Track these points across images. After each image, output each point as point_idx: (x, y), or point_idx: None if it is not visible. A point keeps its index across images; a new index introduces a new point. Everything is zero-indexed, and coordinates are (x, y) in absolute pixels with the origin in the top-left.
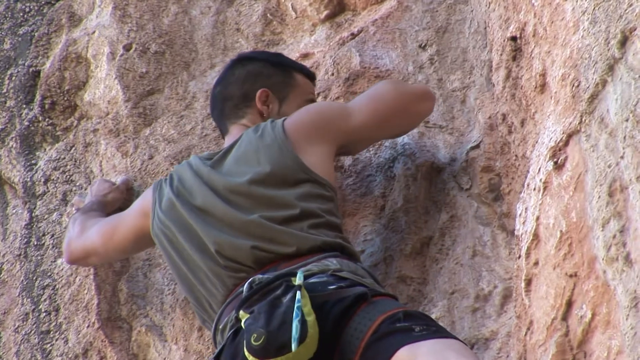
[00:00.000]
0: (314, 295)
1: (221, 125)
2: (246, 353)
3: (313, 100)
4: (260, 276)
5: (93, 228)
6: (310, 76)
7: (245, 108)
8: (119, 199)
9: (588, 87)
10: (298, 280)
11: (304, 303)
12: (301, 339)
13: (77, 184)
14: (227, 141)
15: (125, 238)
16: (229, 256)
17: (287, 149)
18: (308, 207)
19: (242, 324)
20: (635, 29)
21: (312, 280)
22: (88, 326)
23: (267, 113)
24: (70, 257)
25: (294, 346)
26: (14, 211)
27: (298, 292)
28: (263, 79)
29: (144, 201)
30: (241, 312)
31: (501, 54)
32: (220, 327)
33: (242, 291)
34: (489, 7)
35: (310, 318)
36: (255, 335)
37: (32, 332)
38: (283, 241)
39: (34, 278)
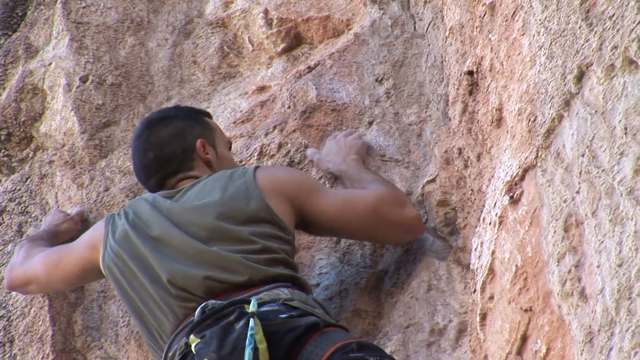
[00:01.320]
0: (265, 324)
1: (165, 183)
2: None
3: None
4: (213, 301)
5: (37, 256)
6: (211, 116)
7: (190, 162)
8: (72, 230)
9: (544, 121)
10: (252, 307)
11: (256, 331)
12: None
13: (33, 215)
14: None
15: (70, 269)
16: (181, 286)
17: (255, 191)
18: (268, 244)
19: (193, 347)
20: (591, 64)
21: (263, 308)
22: (42, 358)
23: (212, 159)
24: (11, 284)
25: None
26: None
27: (251, 320)
28: (191, 131)
29: (94, 234)
30: (192, 336)
31: (458, 88)
32: (170, 354)
33: (192, 320)
34: (445, 42)
35: (262, 346)
36: (207, 359)
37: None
38: (236, 270)
39: (9, 263)
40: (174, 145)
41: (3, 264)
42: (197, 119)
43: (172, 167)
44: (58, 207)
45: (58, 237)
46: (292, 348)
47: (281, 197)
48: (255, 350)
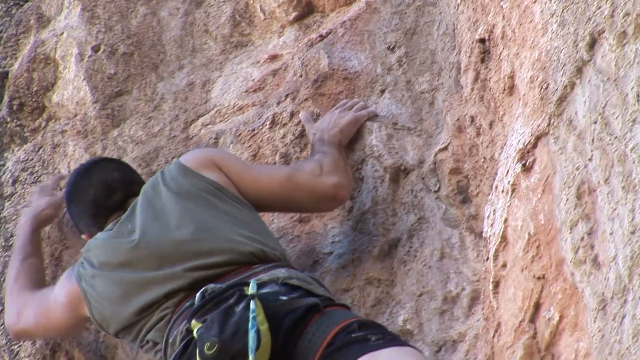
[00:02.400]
0: (265, 306)
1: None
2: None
3: None
4: (212, 285)
5: (28, 310)
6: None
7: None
8: (52, 217)
9: (556, 89)
10: (251, 289)
11: (258, 312)
12: (256, 349)
13: None
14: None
15: (63, 326)
16: (170, 289)
17: (190, 172)
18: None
19: (195, 333)
20: (603, 32)
21: (263, 290)
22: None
23: None
24: (15, 338)
25: (251, 357)
26: None
27: (252, 302)
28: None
29: (70, 296)
30: (193, 321)
31: (470, 56)
32: (170, 340)
33: (189, 304)
34: (457, 9)
35: (263, 327)
36: (209, 344)
37: (0, 332)
38: (221, 252)
39: (2, 279)
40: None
41: (16, 234)
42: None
43: (133, 190)
44: None
45: (40, 225)
46: (293, 331)
47: (215, 168)
48: (258, 332)
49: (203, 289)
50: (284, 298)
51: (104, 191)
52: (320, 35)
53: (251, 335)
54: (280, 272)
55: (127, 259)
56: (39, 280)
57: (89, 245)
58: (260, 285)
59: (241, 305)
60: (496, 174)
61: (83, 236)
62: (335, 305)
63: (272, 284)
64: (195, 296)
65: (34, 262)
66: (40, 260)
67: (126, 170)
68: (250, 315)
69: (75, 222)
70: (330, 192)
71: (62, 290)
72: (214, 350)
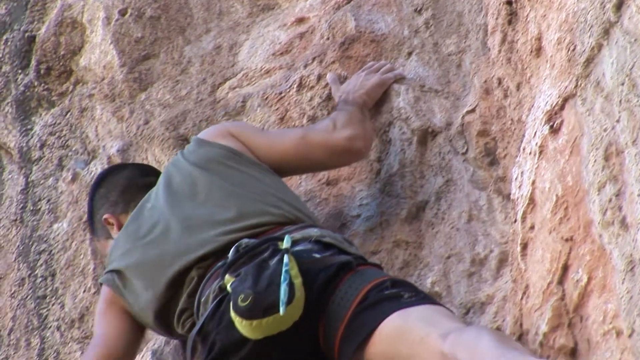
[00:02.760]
0: (299, 262)
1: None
2: (232, 314)
3: None
4: (247, 240)
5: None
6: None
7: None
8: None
9: (584, 50)
10: (285, 244)
11: (291, 266)
12: (289, 302)
13: (73, 149)
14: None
15: (122, 336)
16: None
17: (208, 143)
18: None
19: (228, 286)
20: None
21: (296, 247)
22: (84, 291)
23: None
24: None
25: (282, 309)
26: (10, 176)
27: (285, 256)
28: (98, 211)
29: (105, 299)
30: (227, 276)
31: (497, 18)
32: (202, 299)
33: (222, 264)
34: None
35: (297, 281)
36: (243, 295)
37: (29, 297)
38: (253, 214)
39: (30, 243)
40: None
41: (44, 198)
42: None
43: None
44: (98, 140)
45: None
46: (325, 288)
47: (231, 137)
48: (291, 285)
49: (237, 243)
50: (317, 255)
51: (138, 171)
52: None
53: (283, 287)
54: (313, 231)
55: (152, 237)
56: None
57: (112, 248)
58: (293, 243)
59: (275, 259)
60: (524, 135)
61: (105, 216)
62: (368, 264)
63: (305, 242)
64: (227, 257)
65: None
66: None
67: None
68: (283, 269)
69: (96, 210)
70: (343, 144)
71: (99, 306)
72: (248, 301)
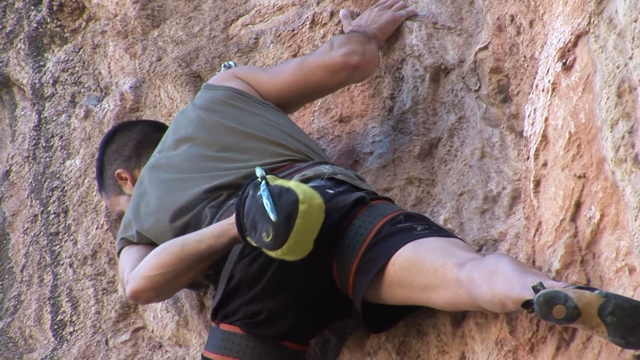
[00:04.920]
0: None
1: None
2: (273, 255)
3: None
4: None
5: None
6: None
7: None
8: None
9: None
10: (257, 173)
11: (272, 179)
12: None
13: (86, 85)
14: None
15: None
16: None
17: (214, 85)
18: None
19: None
20: None
21: (309, 185)
22: (97, 228)
23: None
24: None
25: (272, 216)
26: (23, 113)
27: (262, 184)
28: (111, 165)
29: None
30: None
31: None
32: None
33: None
34: None
35: (291, 183)
36: (264, 233)
37: (41, 233)
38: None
39: (43, 180)
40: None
41: (57, 134)
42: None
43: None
44: (111, 77)
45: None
46: (340, 223)
47: (236, 79)
48: (281, 192)
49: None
50: (331, 192)
51: (152, 126)
52: None
53: (264, 202)
54: (325, 168)
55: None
56: None
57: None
58: (305, 181)
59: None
60: (536, 72)
61: (118, 171)
62: (380, 198)
63: (317, 179)
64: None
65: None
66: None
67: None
68: (261, 192)
69: (107, 166)
70: (339, 60)
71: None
72: (270, 235)
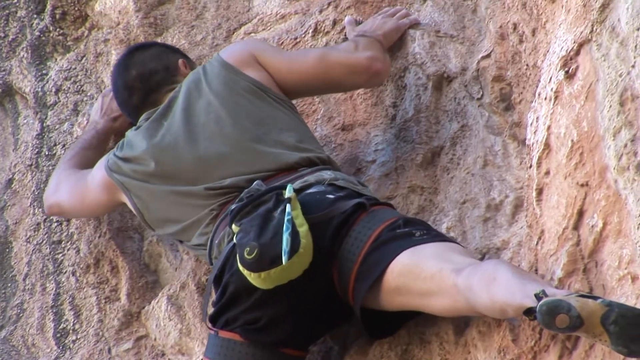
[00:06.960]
0: (314, 207)
1: (149, 101)
2: (240, 267)
3: None
4: (255, 187)
5: (65, 185)
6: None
7: (173, 77)
8: (126, 129)
9: None
10: (288, 193)
11: (296, 215)
12: (292, 251)
13: (88, 94)
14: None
15: (95, 208)
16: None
17: (233, 70)
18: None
19: (234, 238)
20: None
21: (310, 190)
22: (99, 236)
23: None
24: (48, 212)
25: (284, 259)
26: (25, 121)
27: (288, 205)
28: (172, 53)
29: (104, 181)
30: (234, 225)
31: None
32: (216, 242)
33: (229, 211)
34: None
35: (303, 229)
36: (248, 248)
37: (44, 242)
38: (264, 159)
39: (45, 188)
40: (155, 63)
41: (59, 143)
42: (175, 49)
43: (154, 83)
44: None
45: (109, 133)
46: (338, 232)
47: (255, 65)
48: (295, 234)
49: (243, 192)
50: (331, 197)
51: (127, 93)
52: None
53: (285, 237)
54: (326, 174)
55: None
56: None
57: (124, 141)
58: (306, 187)
59: (279, 209)
60: (539, 81)
61: (181, 60)
62: (381, 204)
63: (318, 184)
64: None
65: (92, 154)
66: (99, 156)
67: (159, 60)
68: (285, 218)
69: (168, 61)
70: (364, 63)
71: (97, 173)
72: (254, 254)
